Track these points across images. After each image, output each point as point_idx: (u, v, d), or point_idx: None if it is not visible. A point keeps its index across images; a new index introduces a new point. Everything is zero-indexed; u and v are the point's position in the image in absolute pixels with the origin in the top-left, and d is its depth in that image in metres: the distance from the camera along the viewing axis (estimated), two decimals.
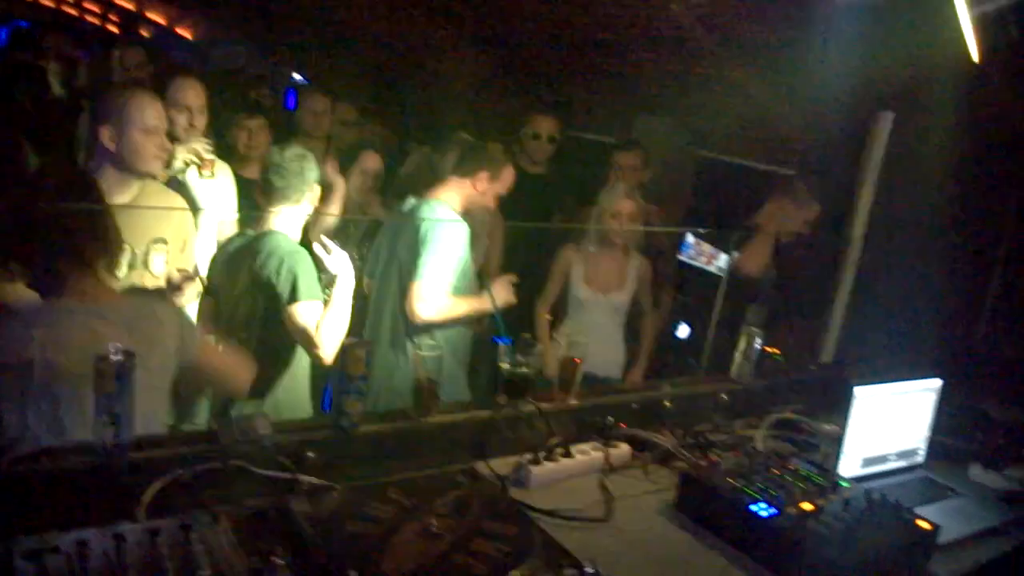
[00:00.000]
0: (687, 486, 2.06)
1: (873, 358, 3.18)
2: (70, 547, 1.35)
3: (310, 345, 2.69)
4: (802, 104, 3.86)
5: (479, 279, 3.49)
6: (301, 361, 2.90)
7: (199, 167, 3.40)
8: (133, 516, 1.55)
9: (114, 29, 12.76)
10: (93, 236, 2.05)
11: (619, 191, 3.80)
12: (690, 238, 4.34)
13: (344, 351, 2.02)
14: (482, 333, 3.53)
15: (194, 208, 3.20)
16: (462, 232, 3.26)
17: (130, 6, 12.59)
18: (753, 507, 1.88)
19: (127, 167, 2.66)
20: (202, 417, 2.90)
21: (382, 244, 3.48)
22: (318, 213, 3.31)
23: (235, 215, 3.65)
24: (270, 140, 4.13)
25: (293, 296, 2.71)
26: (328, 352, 2.66)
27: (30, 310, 1.99)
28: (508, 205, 3.72)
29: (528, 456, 2.08)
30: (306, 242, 2.92)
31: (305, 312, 2.70)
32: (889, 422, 2.44)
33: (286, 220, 2.91)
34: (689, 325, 4.14)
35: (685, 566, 1.80)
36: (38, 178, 2.49)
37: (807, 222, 3.66)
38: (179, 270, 2.82)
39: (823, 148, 3.88)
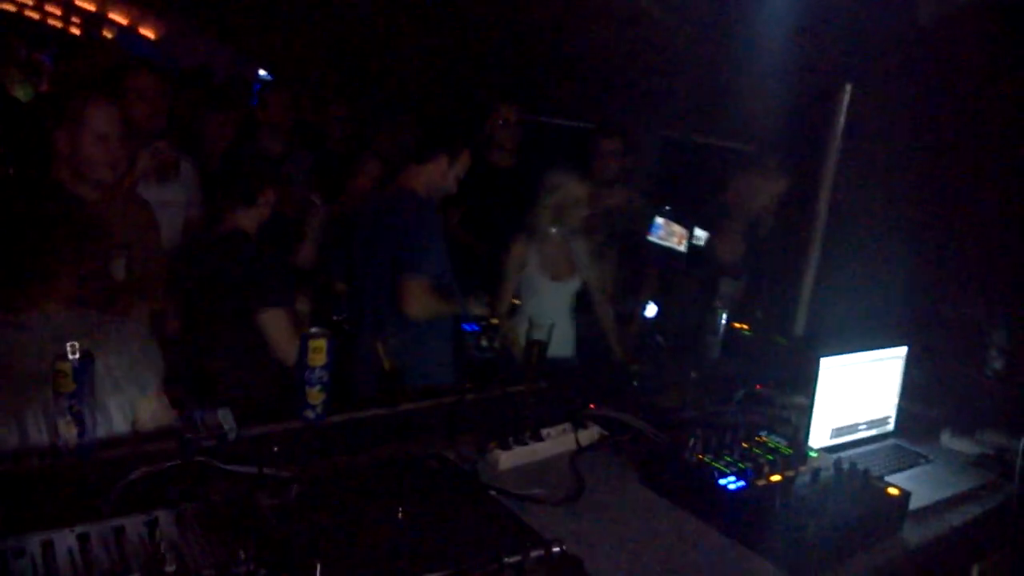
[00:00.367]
0: (657, 463, 2.07)
1: (843, 330, 3.20)
2: (35, 548, 1.34)
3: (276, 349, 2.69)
4: (762, 80, 3.86)
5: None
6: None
7: (161, 170, 3.36)
8: (98, 515, 1.53)
9: (76, 31, 12.60)
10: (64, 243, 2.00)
11: (570, 177, 3.78)
12: (659, 219, 4.35)
13: (303, 342, 2.00)
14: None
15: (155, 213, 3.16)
16: (436, 219, 3.24)
17: (91, 7, 12.42)
18: (722, 481, 1.89)
19: (81, 173, 2.64)
20: None
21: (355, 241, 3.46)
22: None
23: (200, 213, 3.62)
24: (232, 137, 4.10)
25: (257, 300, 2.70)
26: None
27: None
28: (478, 201, 3.71)
29: (497, 440, 2.08)
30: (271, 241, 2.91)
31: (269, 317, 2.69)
32: (857, 391, 2.46)
33: (248, 220, 2.88)
34: (658, 304, 4.16)
35: (655, 542, 1.80)
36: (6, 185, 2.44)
37: (775, 196, 3.67)
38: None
39: (785, 123, 3.89)
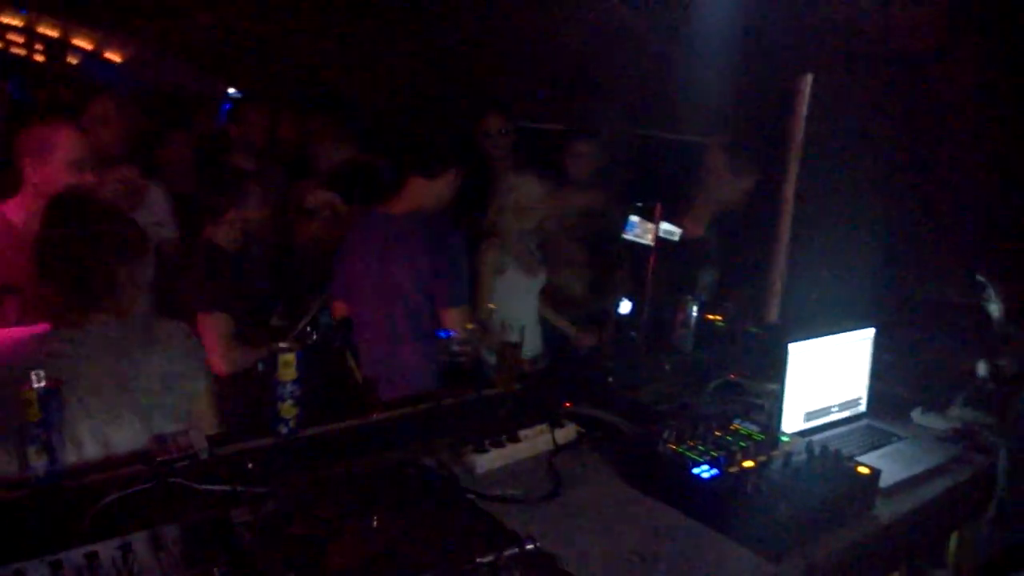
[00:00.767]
0: (632, 457, 2.09)
1: (816, 315, 3.23)
2: None
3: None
4: (726, 73, 3.89)
5: None
6: None
7: (127, 197, 3.35)
8: (71, 542, 1.53)
9: (40, 58, 12.50)
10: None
11: (528, 178, 3.79)
12: (634, 217, 4.35)
13: (275, 357, 2.00)
14: None
15: None
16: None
17: (55, 34, 12.33)
18: (695, 470, 1.91)
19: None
20: None
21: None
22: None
23: (174, 234, 3.62)
24: (191, 155, 4.10)
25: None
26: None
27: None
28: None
29: (474, 444, 2.09)
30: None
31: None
32: (827, 375, 2.48)
33: (220, 235, 2.89)
34: (632, 301, 4.17)
35: (633, 535, 1.81)
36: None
37: (744, 192, 3.68)
38: None
39: (750, 115, 3.92)
